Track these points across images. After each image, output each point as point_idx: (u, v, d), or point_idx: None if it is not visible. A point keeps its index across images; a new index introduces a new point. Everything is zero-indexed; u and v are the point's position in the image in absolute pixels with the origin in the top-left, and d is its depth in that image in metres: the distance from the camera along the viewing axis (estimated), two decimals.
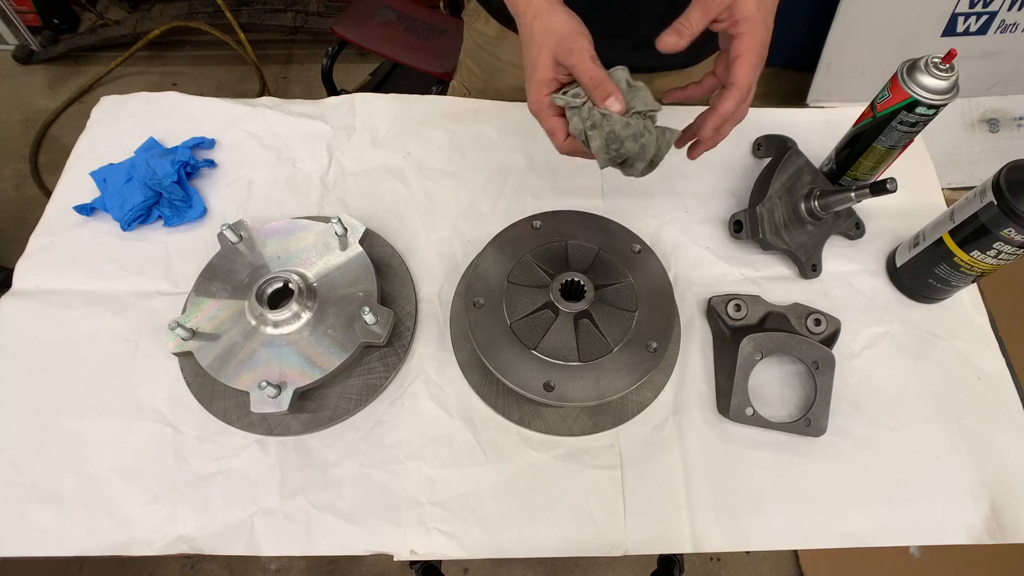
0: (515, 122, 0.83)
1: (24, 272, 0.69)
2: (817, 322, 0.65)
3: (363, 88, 1.68)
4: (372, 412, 0.63)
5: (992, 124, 1.96)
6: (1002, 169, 0.58)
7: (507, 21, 0.84)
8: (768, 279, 0.72)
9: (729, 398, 0.61)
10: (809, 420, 0.61)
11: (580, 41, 0.51)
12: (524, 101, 0.83)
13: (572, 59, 0.52)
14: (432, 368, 0.65)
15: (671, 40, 0.53)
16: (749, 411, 0.61)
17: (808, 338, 0.63)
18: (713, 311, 0.67)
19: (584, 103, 0.54)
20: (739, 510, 0.59)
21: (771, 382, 0.65)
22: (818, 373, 0.62)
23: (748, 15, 0.53)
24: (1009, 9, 1.74)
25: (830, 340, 0.66)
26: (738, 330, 0.65)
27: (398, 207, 0.76)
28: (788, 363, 0.66)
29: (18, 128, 2.03)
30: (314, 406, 0.61)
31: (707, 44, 0.80)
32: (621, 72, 0.56)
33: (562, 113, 0.56)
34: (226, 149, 0.80)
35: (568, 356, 0.59)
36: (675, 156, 0.80)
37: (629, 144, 0.55)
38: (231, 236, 0.65)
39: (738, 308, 0.65)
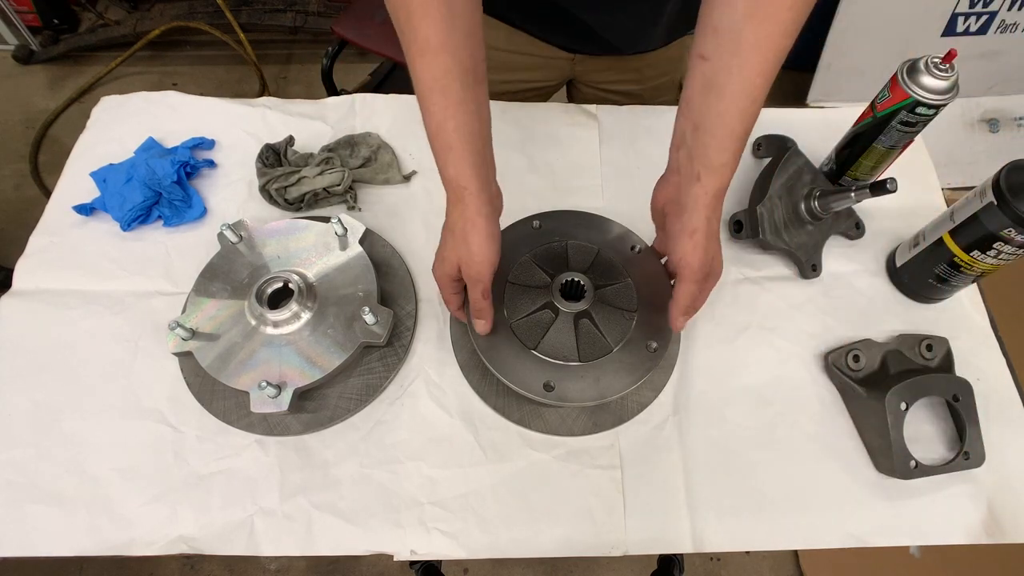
0: (515, 122, 0.83)
1: (24, 272, 0.69)
2: (929, 348, 0.64)
3: (363, 88, 1.68)
4: (372, 412, 0.63)
5: (992, 124, 1.96)
6: (1002, 169, 0.58)
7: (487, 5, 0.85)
8: (768, 279, 0.72)
9: (890, 458, 0.59)
10: (968, 453, 0.60)
11: (484, 271, 0.54)
12: (515, 98, 0.84)
13: (469, 283, 0.55)
14: (432, 368, 0.65)
15: (680, 323, 0.56)
16: (912, 463, 0.59)
17: (941, 374, 0.62)
18: (833, 368, 0.64)
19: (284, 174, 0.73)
20: (739, 510, 0.59)
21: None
22: (960, 405, 0.60)
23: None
24: (1009, 9, 1.74)
25: (946, 361, 0.64)
26: (864, 381, 0.63)
27: (398, 207, 0.76)
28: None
29: (18, 128, 2.03)
30: (314, 406, 0.61)
31: (643, 37, 0.83)
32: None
33: (462, 291, 0.59)
34: (226, 149, 0.80)
35: (568, 356, 0.59)
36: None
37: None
38: (231, 236, 0.65)
39: (856, 359, 0.63)
